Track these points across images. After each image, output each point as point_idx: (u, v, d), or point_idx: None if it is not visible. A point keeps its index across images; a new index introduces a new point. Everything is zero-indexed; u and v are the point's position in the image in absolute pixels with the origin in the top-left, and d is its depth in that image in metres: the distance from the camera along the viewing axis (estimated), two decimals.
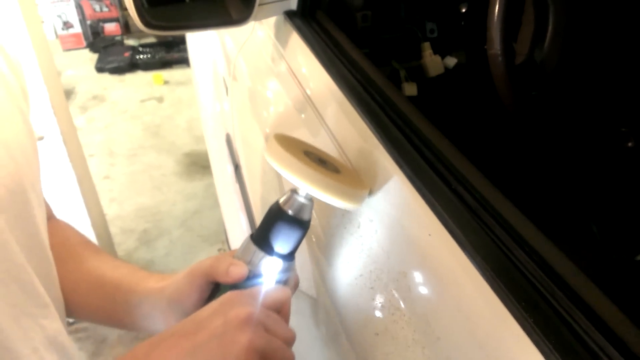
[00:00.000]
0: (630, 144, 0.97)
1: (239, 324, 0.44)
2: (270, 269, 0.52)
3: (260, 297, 0.48)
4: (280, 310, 0.50)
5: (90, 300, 0.60)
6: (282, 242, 0.51)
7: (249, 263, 0.52)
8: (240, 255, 0.53)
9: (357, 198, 0.52)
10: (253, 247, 0.52)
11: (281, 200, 0.52)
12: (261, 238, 0.52)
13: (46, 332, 0.44)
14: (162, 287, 0.57)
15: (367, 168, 0.58)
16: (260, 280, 0.52)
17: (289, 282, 0.54)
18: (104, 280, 0.60)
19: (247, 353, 0.42)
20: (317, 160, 0.51)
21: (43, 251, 0.49)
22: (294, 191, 0.51)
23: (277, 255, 0.52)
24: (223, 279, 0.52)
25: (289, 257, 0.53)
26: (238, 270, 0.51)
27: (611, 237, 0.86)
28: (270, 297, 0.49)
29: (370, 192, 0.55)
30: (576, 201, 0.91)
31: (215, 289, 0.54)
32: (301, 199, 0.51)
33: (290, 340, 0.48)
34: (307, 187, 0.49)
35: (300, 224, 0.51)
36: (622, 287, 0.72)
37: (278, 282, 0.53)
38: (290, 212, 0.51)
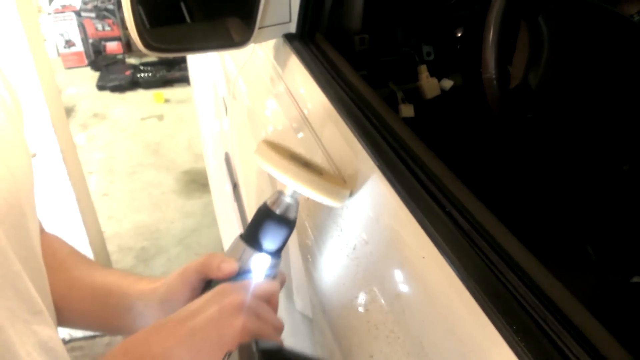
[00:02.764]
0: (625, 167, 0.98)
1: (233, 310, 0.47)
2: (259, 265, 0.55)
3: (251, 288, 0.51)
4: (270, 301, 0.53)
5: (82, 306, 0.61)
6: (270, 240, 0.55)
7: (239, 260, 0.55)
8: (231, 252, 0.56)
9: (339, 195, 0.56)
10: (243, 245, 0.55)
11: (269, 201, 0.55)
12: (250, 236, 0.55)
13: (38, 338, 0.45)
14: (154, 288, 0.59)
15: (362, 189, 0.59)
16: (249, 275, 0.55)
17: (277, 277, 0.57)
18: (96, 286, 0.62)
19: (241, 336, 0.46)
20: (302, 163, 0.55)
21: (37, 262, 0.50)
22: (281, 192, 0.55)
23: (266, 252, 0.55)
24: (214, 274, 0.55)
25: (277, 254, 0.56)
26: (229, 266, 0.54)
27: (607, 259, 0.86)
28: (260, 288, 0.52)
29: (351, 193, 0.58)
30: (572, 223, 0.91)
31: (206, 286, 0.56)
32: (288, 199, 0.55)
33: (279, 328, 0.51)
34: (293, 183, 0.53)
35: (287, 222, 0.55)
36: (617, 309, 0.72)
37: (266, 277, 0.56)
38: (277, 211, 0.54)
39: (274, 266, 0.56)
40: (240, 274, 0.55)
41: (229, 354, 0.43)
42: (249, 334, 0.46)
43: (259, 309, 0.50)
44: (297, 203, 0.55)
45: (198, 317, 0.47)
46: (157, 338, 0.47)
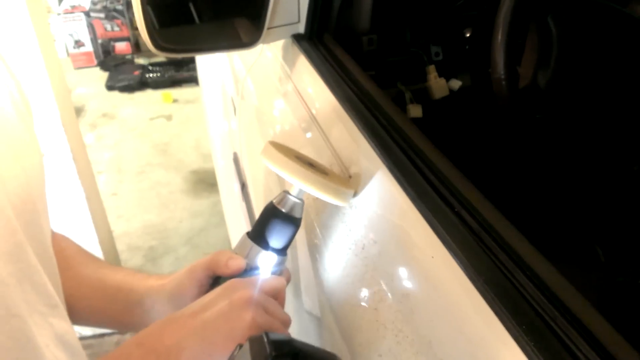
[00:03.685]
0: (635, 168, 0.97)
1: (242, 304, 0.49)
2: (265, 262, 0.57)
3: (259, 284, 0.52)
4: (277, 297, 0.55)
5: (91, 303, 0.63)
6: (277, 238, 0.56)
7: (246, 257, 0.56)
8: (238, 250, 0.58)
9: (343, 195, 0.57)
10: (250, 243, 0.57)
11: (275, 200, 0.57)
12: (257, 234, 0.57)
13: (55, 330, 0.46)
14: (162, 284, 0.61)
15: (371, 189, 0.59)
16: (256, 272, 0.56)
17: (283, 274, 0.59)
18: (105, 283, 0.63)
19: (251, 329, 0.47)
20: (307, 164, 0.56)
21: (49, 258, 0.51)
22: (287, 192, 0.56)
23: (272, 250, 0.57)
24: (222, 271, 0.56)
25: (283, 251, 0.58)
26: (236, 263, 0.56)
27: (616, 260, 0.86)
28: (268, 284, 0.54)
29: (355, 193, 0.59)
30: (581, 223, 0.91)
31: (214, 283, 0.57)
32: (293, 199, 0.56)
33: (287, 323, 0.53)
34: (298, 183, 0.54)
35: (293, 221, 0.57)
36: (626, 309, 0.72)
37: (273, 274, 0.57)
38: (283, 210, 0.56)
39: (280, 263, 0.58)
40: (247, 270, 0.56)
41: (239, 346, 0.44)
42: (258, 328, 0.47)
43: (267, 303, 0.51)
44: (302, 202, 0.57)
45: (209, 311, 0.49)
46: (169, 330, 0.48)
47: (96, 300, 0.62)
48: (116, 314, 0.62)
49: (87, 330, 1.89)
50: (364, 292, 0.54)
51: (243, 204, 1.24)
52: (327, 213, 0.64)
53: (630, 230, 0.88)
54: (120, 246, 2.31)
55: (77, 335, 0.50)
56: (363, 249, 0.56)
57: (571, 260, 0.80)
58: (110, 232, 2.10)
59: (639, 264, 0.84)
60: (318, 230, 0.65)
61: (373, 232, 0.56)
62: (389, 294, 0.50)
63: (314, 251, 0.66)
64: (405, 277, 0.50)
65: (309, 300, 0.69)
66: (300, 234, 0.69)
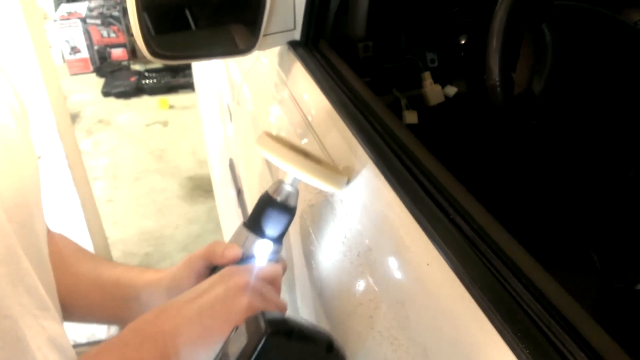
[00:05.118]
0: (630, 173, 0.98)
1: (238, 289, 0.49)
2: (261, 251, 0.57)
3: (255, 271, 0.53)
4: (273, 283, 0.55)
5: (89, 300, 0.63)
6: (272, 227, 0.57)
7: (242, 246, 0.57)
8: (234, 239, 0.58)
9: (337, 182, 0.58)
10: (246, 232, 0.58)
11: (270, 190, 0.57)
12: (253, 224, 0.58)
13: (47, 333, 0.46)
14: (159, 278, 0.61)
15: (366, 195, 0.59)
16: (253, 260, 0.57)
17: (279, 263, 0.59)
18: (102, 279, 0.63)
19: (247, 313, 0.47)
20: (302, 153, 0.57)
21: (44, 261, 0.51)
22: (281, 181, 0.57)
23: (268, 238, 0.57)
24: (219, 260, 0.57)
25: (278, 240, 0.58)
26: (233, 252, 0.56)
27: (611, 266, 0.86)
28: (264, 271, 0.54)
29: (349, 181, 0.60)
30: (576, 229, 0.91)
31: (211, 273, 0.58)
32: (288, 187, 0.57)
33: (282, 308, 0.54)
34: (293, 170, 0.55)
35: (288, 209, 0.57)
36: (621, 316, 0.72)
37: (269, 262, 0.58)
38: (278, 199, 0.57)
39: (276, 252, 0.58)
40: (243, 259, 0.57)
41: (236, 328, 0.45)
42: (254, 312, 0.47)
43: (263, 289, 0.52)
44: (297, 191, 0.58)
45: (205, 297, 0.49)
46: (166, 317, 0.48)
47: (94, 297, 0.63)
48: (115, 309, 0.63)
49: (82, 337, 1.88)
50: (359, 299, 0.54)
51: (239, 210, 1.24)
52: (322, 220, 0.64)
53: (626, 236, 0.89)
54: (116, 253, 2.30)
55: (72, 342, 0.50)
56: (358, 256, 0.56)
57: (567, 266, 0.80)
58: (105, 239, 2.09)
59: (635, 270, 0.84)
60: (313, 236, 0.65)
61: (368, 239, 0.56)
62: (384, 301, 0.50)
63: (310, 258, 0.66)
64: (400, 285, 0.50)
65: (304, 306, 0.69)
66: (296, 240, 0.69)
